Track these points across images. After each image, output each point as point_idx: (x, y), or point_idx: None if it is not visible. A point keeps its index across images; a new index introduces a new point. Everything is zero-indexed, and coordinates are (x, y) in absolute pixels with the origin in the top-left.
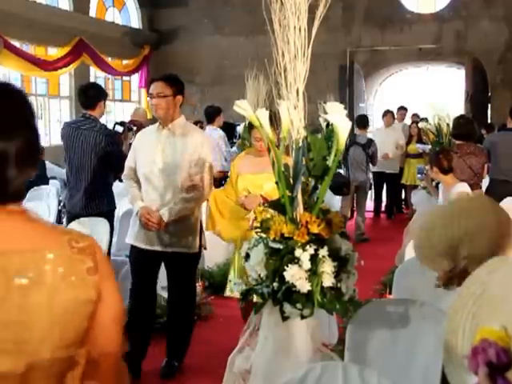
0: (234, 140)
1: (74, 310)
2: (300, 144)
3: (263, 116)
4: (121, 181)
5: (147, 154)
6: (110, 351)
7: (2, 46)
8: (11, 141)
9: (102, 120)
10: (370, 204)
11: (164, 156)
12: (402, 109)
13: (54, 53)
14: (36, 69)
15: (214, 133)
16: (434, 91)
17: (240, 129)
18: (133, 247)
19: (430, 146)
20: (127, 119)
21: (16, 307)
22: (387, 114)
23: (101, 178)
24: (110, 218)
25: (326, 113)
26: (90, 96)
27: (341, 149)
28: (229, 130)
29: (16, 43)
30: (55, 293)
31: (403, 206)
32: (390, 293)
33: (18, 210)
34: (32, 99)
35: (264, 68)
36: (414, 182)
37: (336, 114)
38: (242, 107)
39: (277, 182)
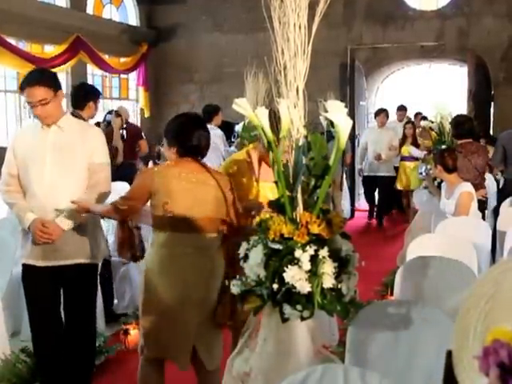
0: (233, 139)
1: (219, 198)
2: (300, 143)
3: (262, 115)
4: None
5: (34, 157)
6: (236, 219)
7: None
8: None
9: (100, 118)
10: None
11: (54, 157)
12: (402, 109)
13: (50, 50)
14: (32, 66)
15: (212, 132)
16: (437, 89)
17: (239, 128)
18: (26, 267)
19: (424, 152)
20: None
21: (201, 193)
22: (380, 113)
23: None
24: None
25: (326, 111)
26: (78, 96)
27: (342, 148)
28: (227, 128)
29: (12, 41)
30: (215, 191)
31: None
32: (392, 294)
33: (198, 159)
34: None
35: (264, 66)
36: (408, 187)
37: (336, 113)
38: (241, 106)
39: (276, 182)
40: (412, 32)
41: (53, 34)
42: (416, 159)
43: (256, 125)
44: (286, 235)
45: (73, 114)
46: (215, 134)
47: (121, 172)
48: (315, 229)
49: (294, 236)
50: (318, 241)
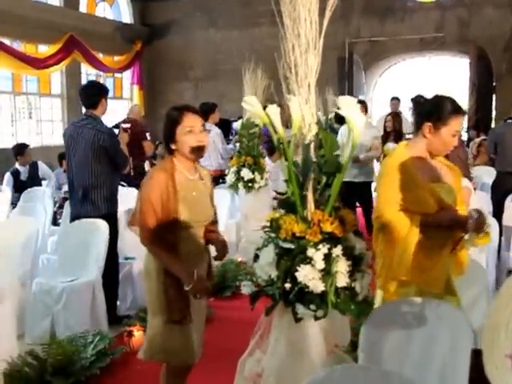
0: (230, 137)
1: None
2: (309, 140)
3: (274, 112)
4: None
5: None
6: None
7: None
8: None
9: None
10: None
11: None
12: (395, 99)
13: (44, 50)
14: (27, 67)
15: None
16: (438, 82)
17: (237, 125)
18: None
19: None
20: (120, 117)
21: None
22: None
23: (100, 179)
24: (111, 220)
25: (338, 108)
26: (90, 95)
27: (356, 144)
28: (224, 126)
29: (6, 41)
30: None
31: None
32: None
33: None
34: (23, 98)
35: (262, 62)
36: None
37: (349, 108)
38: (250, 103)
39: (286, 180)
40: (411, 24)
41: (46, 34)
42: None
43: (265, 122)
44: (297, 234)
45: (89, 116)
46: (213, 132)
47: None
48: (328, 227)
49: (307, 235)
50: (331, 239)
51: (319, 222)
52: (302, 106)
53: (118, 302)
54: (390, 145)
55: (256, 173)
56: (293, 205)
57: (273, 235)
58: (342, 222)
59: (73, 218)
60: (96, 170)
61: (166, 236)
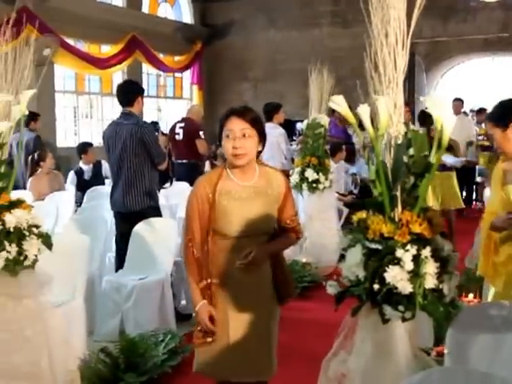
0: (294, 137)
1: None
2: (400, 140)
3: (364, 112)
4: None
5: None
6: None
7: (59, 44)
8: None
9: (154, 117)
10: None
11: None
12: (458, 100)
13: (107, 50)
14: (90, 67)
15: (274, 130)
16: (501, 83)
17: (302, 125)
18: None
19: (462, 159)
20: (179, 116)
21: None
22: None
23: (139, 173)
24: (152, 215)
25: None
26: (126, 93)
27: (445, 145)
28: (288, 126)
29: (70, 41)
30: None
31: None
32: (467, 295)
33: None
34: (85, 98)
35: (327, 63)
36: (447, 206)
37: (438, 108)
38: (337, 102)
39: (374, 181)
40: (474, 24)
41: (109, 34)
42: (450, 169)
43: (351, 122)
44: (386, 235)
45: (126, 114)
46: (277, 132)
47: (182, 172)
48: (417, 228)
49: (395, 236)
50: (419, 240)
51: (408, 222)
52: (389, 106)
53: (184, 301)
54: (447, 157)
55: (320, 173)
56: (380, 205)
57: (359, 235)
58: (430, 224)
59: (115, 213)
60: (134, 163)
61: (205, 248)
